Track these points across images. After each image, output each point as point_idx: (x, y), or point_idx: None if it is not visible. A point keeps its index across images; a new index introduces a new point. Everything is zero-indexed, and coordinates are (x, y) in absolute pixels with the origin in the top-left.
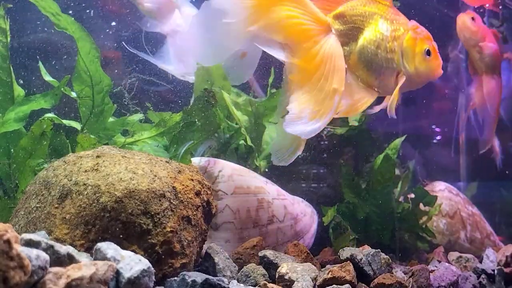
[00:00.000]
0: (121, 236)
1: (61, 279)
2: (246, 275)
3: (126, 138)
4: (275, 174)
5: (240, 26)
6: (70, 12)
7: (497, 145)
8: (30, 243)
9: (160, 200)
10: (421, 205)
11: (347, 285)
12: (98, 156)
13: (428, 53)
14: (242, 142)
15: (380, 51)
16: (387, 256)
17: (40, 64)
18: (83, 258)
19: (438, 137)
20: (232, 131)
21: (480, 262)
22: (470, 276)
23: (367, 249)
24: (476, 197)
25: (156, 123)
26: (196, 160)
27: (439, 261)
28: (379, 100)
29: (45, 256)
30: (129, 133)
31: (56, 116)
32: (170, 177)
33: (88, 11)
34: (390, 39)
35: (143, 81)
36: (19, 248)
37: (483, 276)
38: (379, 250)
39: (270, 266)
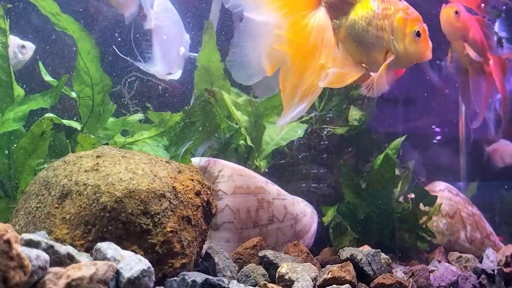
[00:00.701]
0: (121, 236)
1: (61, 279)
2: (246, 275)
3: (126, 138)
4: (275, 174)
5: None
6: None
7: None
8: (30, 243)
9: (160, 200)
10: (421, 205)
11: (347, 285)
12: (98, 156)
13: (418, 34)
14: (242, 142)
15: (370, 28)
16: (387, 256)
17: (40, 64)
18: (83, 258)
19: (438, 137)
20: (232, 131)
21: (480, 262)
22: (470, 276)
23: (367, 249)
24: (476, 197)
25: (156, 123)
26: (196, 160)
27: (439, 261)
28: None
29: (45, 256)
30: (129, 133)
31: (56, 116)
32: (170, 177)
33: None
34: (381, 17)
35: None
36: (19, 248)
37: (483, 276)
38: (379, 250)
39: (270, 266)
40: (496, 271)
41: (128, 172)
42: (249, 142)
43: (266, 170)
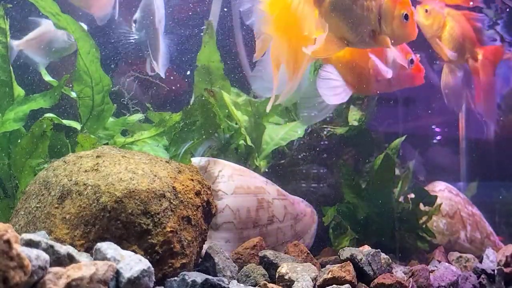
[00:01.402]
0: (121, 236)
1: (61, 279)
2: (246, 275)
3: (126, 138)
4: (275, 174)
5: None
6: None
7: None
8: (30, 243)
9: (160, 200)
10: (421, 205)
11: (347, 285)
12: (98, 156)
13: (406, 17)
14: (242, 142)
15: (355, 7)
16: (387, 256)
17: (40, 64)
18: (83, 258)
19: (438, 137)
20: (232, 131)
21: (480, 262)
22: (470, 276)
23: (367, 249)
24: (476, 197)
25: (156, 123)
26: (196, 160)
27: (439, 261)
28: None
29: (45, 256)
30: (129, 133)
31: (56, 116)
32: (170, 177)
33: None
34: None
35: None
36: (19, 248)
37: (483, 276)
38: (379, 250)
39: (270, 266)
40: (496, 271)
41: (128, 172)
42: (249, 142)
43: (266, 170)
